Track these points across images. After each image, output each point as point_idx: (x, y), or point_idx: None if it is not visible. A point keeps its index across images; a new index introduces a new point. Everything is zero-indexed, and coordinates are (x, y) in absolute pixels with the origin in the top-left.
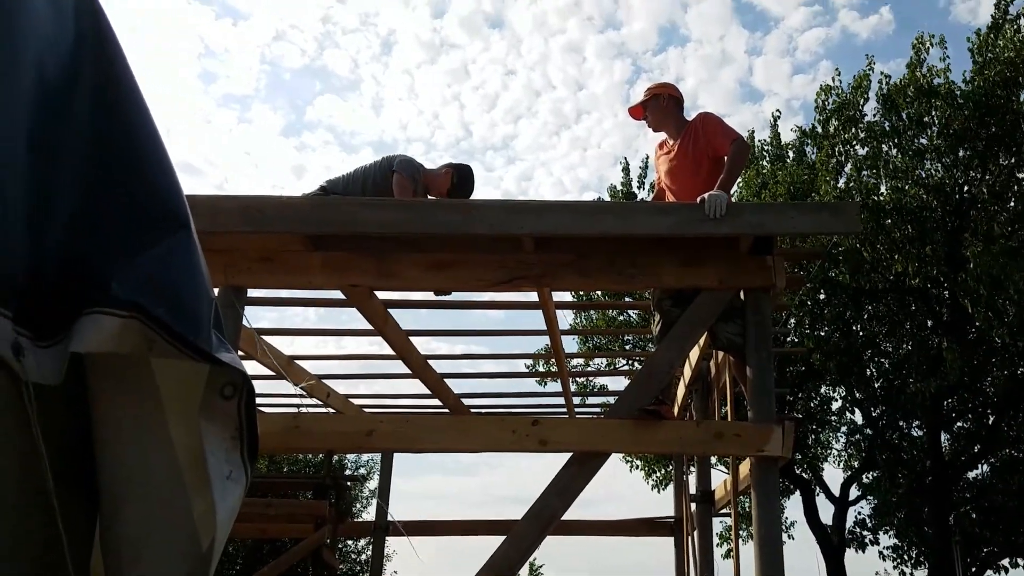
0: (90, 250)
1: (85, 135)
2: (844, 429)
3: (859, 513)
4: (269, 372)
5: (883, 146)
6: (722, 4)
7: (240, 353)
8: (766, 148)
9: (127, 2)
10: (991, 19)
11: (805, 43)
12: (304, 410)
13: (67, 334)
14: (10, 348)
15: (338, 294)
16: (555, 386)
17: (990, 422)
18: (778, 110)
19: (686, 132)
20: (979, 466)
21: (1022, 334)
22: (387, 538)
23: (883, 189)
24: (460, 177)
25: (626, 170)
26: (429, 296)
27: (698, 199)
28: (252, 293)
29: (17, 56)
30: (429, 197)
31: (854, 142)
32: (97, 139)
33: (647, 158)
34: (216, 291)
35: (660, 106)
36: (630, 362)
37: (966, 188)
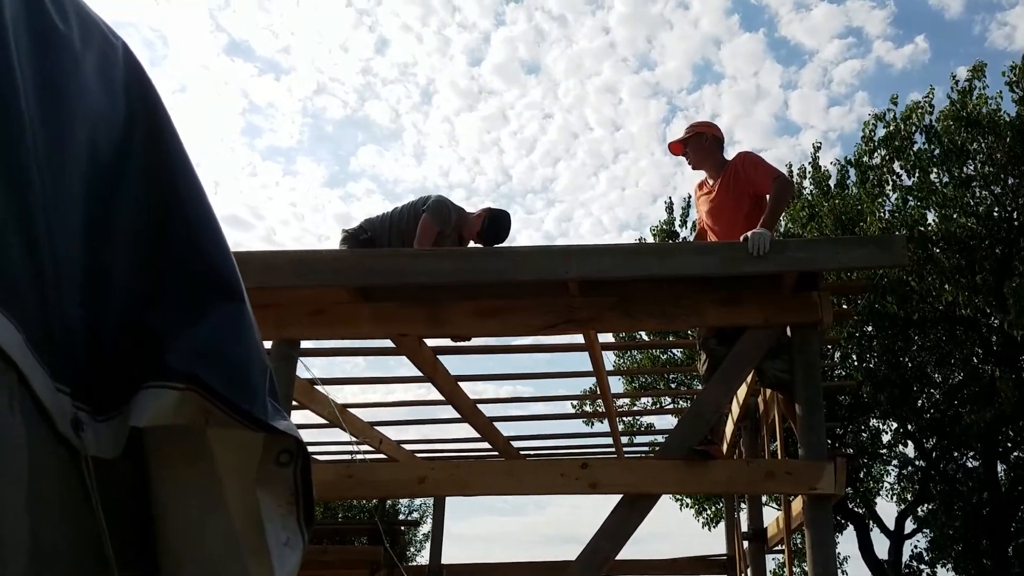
0: (147, 323)
1: (139, 211)
2: (896, 462)
3: (915, 547)
4: (323, 421)
5: (930, 175)
6: (755, 40)
7: (294, 403)
8: (807, 180)
9: (176, 62)
10: None
11: (840, 75)
12: (358, 457)
13: (125, 408)
14: (70, 424)
15: (387, 342)
16: (602, 426)
17: None
18: (818, 141)
19: (726, 171)
20: None
21: None
22: None
23: (930, 218)
24: (491, 220)
25: (670, 208)
26: (477, 342)
27: (741, 238)
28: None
29: (70, 136)
30: (464, 239)
31: (901, 171)
32: (151, 214)
33: (688, 197)
34: (268, 344)
35: (701, 144)
36: (676, 400)
37: (1015, 216)
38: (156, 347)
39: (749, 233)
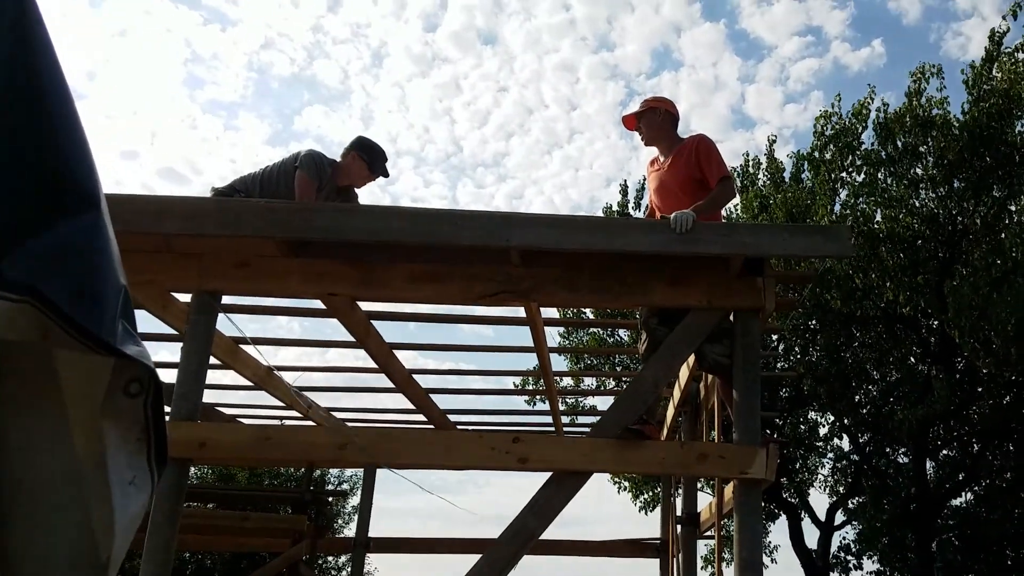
0: None
1: None
2: (831, 455)
3: (844, 538)
4: (248, 383)
5: (879, 174)
6: (715, 30)
7: (215, 361)
8: (763, 172)
9: (114, 3)
10: (985, 51)
11: (797, 73)
12: (286, 423)
13: None
14: None
15: (321, 303)
16: (544, 405)
17: (975, 451)
18: (774, 135)
19: (679, 150)
20: (963, 494)
21: (1008, 365)
22: (368, 555)
23: (878, 217)
24: (369, 155)
25: (624, 191)
26: (415, 308)
27: (660, 216)
28: (235, 301)
29: None
30: (345, 190)
31: (850, 169)
32: (2, 108)
33: (643, 180)
34: (188, 297)
35: (655, 120)
36: (620, 383)
37: (959, 219)
38: None
39: (673, 214)
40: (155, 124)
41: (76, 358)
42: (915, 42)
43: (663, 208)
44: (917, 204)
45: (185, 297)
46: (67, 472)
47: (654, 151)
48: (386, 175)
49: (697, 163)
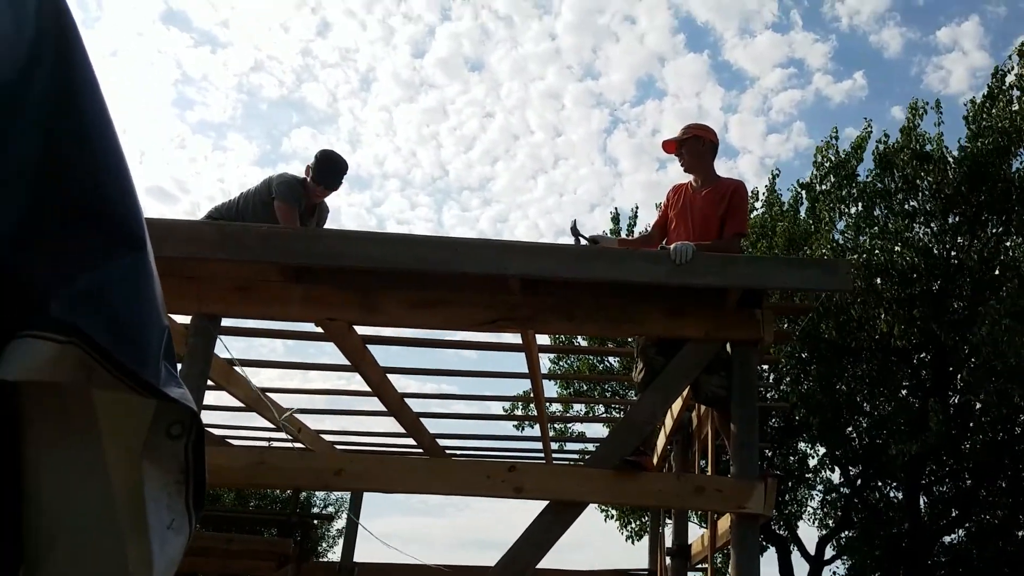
0: (29, 266)
1: (37, 141)
2: (820, 487)
3: (834, 572)
4: (239, 404)
5: (875, 208)
6: (699, 61)
7: (210, 383)
8: (759, 201)
9: (106, 24)
10: (987, 88)
11: (779, 104)
12: (274, 444)
13: None
14: None
15: (309, 326)
16: (532, 431)
17: (967, 486)
18: (777, 169)
19: (717, 186)
20: (956, 531)
21: (1007, 401)
22: None
23: (875, 249)
24: (322, 163)
25: (616, 219)
26: (407, 332)
27: (660, 247)
28: (226, 323)
29: None
30: (312, 204)
31: (848, 200)
32: (50, 146)
33: (635, 208)
34: (187, 319)
35: (698, 148)
36: (609, 410)
37: (954, 253)
38: (38, 294)
39: (673, 245)
40: (144, 143)
41: (117, 398)
42: (896, 75)
43: (684, 230)
44: (912, 237)
45: (182, 319)
46: (104, 513)
47: (684, 176)
48: (335, 188)
49: (728, 208)
